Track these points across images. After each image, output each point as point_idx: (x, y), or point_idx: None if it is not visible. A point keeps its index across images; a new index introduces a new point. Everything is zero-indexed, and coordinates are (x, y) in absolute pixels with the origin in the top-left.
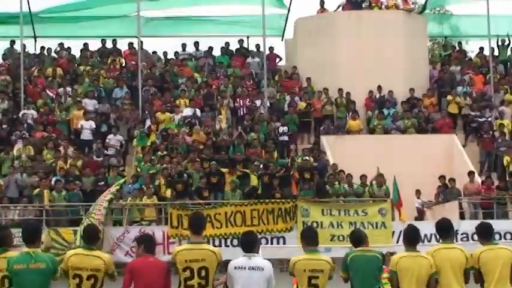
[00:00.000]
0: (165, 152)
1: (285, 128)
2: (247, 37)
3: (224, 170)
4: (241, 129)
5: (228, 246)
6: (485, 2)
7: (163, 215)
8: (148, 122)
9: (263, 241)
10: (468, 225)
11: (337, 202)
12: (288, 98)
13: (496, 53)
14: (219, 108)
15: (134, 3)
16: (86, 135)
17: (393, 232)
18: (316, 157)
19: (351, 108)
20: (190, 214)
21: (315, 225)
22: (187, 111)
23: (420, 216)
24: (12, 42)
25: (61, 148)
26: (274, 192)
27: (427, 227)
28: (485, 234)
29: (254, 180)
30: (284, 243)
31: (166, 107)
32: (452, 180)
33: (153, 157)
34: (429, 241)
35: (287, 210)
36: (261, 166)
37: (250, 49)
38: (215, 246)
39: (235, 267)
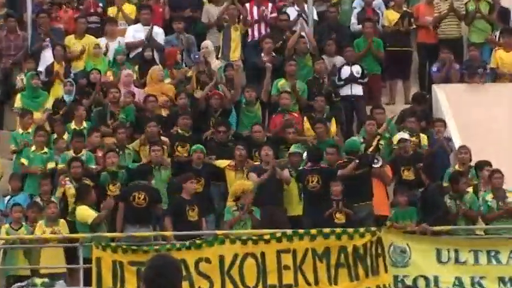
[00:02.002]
0: (84, 125)
1: (356, 69)
2: None
3: (220, 162)
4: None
5: None
6: None
7: (81, 263)
8: (47, 55)
9: None
10: None
11: (472, 235)
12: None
13: None
14: (208, 24)
15: None
16: None
17: None
18: (427, 135)
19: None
20: (147, 263)
21: (421, 284)
22: (135, 33)
23: None
24: None
25: None
26: (333, 212)
27: None
28: None
29: (292, 187)
30: None
31: (85, 24)
32: None
33: (54, 135)
34: None
35: (359, 252)
36: (303, 155)
37: None
38: None
39: None
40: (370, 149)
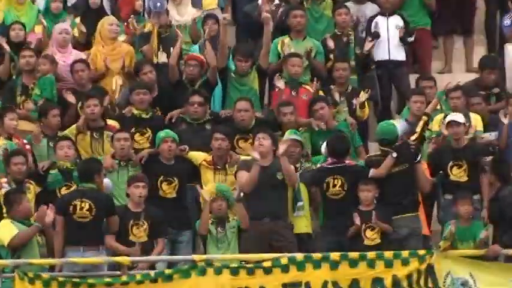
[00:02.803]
0: None
1: (395, 22)
2: None
3: (194, 155)
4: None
5: None
6: None
7: None
8: None
9: None
10: None
11: None
12: None
13: None
14: None
15: None
16: None
17: None
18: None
19: None
20: None
21: None
22: None
23: None
24: None
25: None
26: (362, 228)
27: None
28: None
29: (303, 191)
30: None
31: None
32: None
33: None
34: None
35: (401, 286)
36: (323, 146)
37: None
38: None
39: None
40: (413, 137)
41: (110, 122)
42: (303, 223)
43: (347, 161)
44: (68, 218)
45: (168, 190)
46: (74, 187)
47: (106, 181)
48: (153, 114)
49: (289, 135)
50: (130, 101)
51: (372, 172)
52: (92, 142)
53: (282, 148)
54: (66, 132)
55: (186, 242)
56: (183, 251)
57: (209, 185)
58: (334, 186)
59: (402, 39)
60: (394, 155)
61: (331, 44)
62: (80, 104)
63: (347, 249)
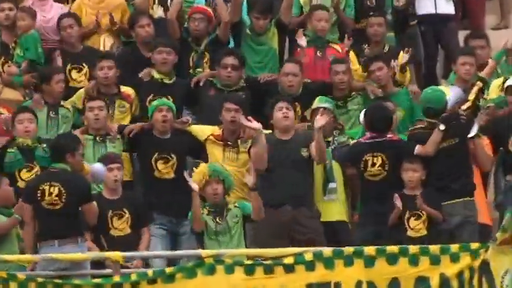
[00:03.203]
0: None
1: None
2: None
3: (198, 129)
4: None
5: None
6: None
7: None
8: None
9: None
10: None
11: None
12: None
13: None
14: None
15: None
16: None
17: None
18: None
19: None
20: None
21: None
22: None
23: None
24: None
25: None
26: (405, 215)
27: None
28: None
29: (337, 171)
30: None
31: None
32: None
33: None
34: None
35: (450, 287)
36: (361, 116)
37: None
38: None
39: None
40: (465, 106)
41: (124, 88)
42: (335, 209)
43: (389, 135)
44: (36, 206)
45: (165, 170)
46: (36, 169)
47: (97, 167)
48: (177, 79)
49: (319, 102)
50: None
51: (418, 149)
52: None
53: (321, 120)
54: (74, 98)
55: (188, 234)
56: (185, 244)
57: (200, 165)
58: (374, 165)
59: None
60: (442, 127)
61: None
62: (69, 67)
63: (386, 241)
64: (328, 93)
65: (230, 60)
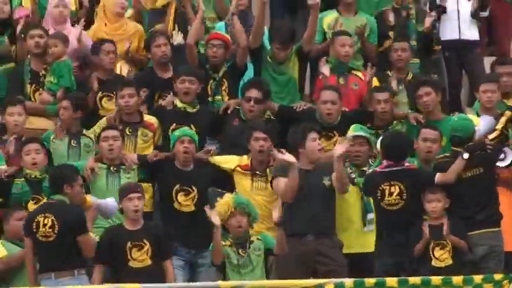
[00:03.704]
0: None
1: None
2: None
3: (224, 160)
4: None
5: None
6: None
7: None
8: None
9: None
10: None
11: None
12: None
13: None
14: None
15: None
16: None
17: None
18: None
19: None
20: None
21: None
22: None
23: None
24: None
25: None
26: (429, 245)
27: None
28: None
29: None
30: None
31: None
32: None
33: None
34: None
35: None
36: (378, 144)
37: None
38: None
39: None
40: (492, 135)
41: (147, 117)
42: (372, 239)
43: (406, 164)
44: (33, 238)
45: (185, 202)
46: (44, 200)
47: (106, 201)
48: (201, 107)
49: (354, 131)
50: (174, 90)
51: (438, 177)
52: (124, 139)
53: (340, 148)
54: (96, 127)
55: (207, 265)
56: (204, 276)
57: (225, 196)
58: (391, 194)
59: (474, 14)
60: (466, 156)
61: (391, 18)
62: (100, 95)
63: (409, 273)
64: (367, 121)
65: (253, 93)
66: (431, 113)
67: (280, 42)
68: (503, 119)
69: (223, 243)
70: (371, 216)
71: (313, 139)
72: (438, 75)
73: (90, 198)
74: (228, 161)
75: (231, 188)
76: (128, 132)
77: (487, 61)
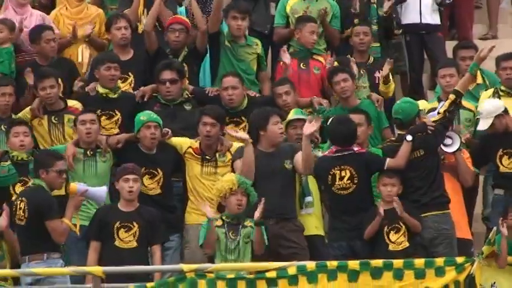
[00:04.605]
0: None
1: None
2: None
3: (180, 141)
4: None
5: None
6: None
7: None
8: None
9: None
10: None
11: None
12: None
13: None
14: None
15: None
16: None
17: None
18: None
19: None
20: None
21: None
22: None
23: None
24: None
25: None
26: (384, 227)
27: None
28: None
29: (313, 184)
30: None
31: None
32: None
33: None
34: None
35: None
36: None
37: None
38: None
39: None
40: (434, 118)
41: (71, 103)
42: (312, 223)
43: (355, 148)
44: (13, 221)
45: (151, 185)
46: (30, 182)
47: (97, 191)
48: (122, 93)
49: (295, 114)
50: (95, 76)
51: (389, 162)
52: (50, 128)
53: (309, 128)
54: (20, 114)
55: (173, 249)
56: (169, 259)
57: (228, 174)
58: (342, 178)
59: (440, 2)
60: (409, 138)
61: (357, 6)
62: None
63: (362, 256)
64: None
65: (167, 74)
66: (348, 99)
67: (238, 9)
68: (446, 102)
69: (216, 222)
70: (308, 199)
71: (275, 122)
72: (399, 59)
73: (75, 185)
74: (182, 142)
75: (183, 175)
76: (53, 121)
77: (450, 45)
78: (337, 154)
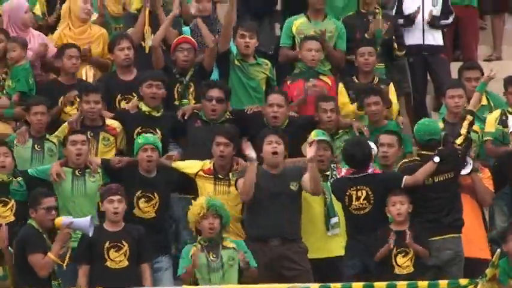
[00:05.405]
0: None
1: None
2: None
3: (187, 165)
4: None
5: None
6: None
7: None
8: None
9: None
10: None
11: None
12: None
13: None
14: None
15: None
16: None
17: None
18: None
19: None
20: None
21: None
22: None
23: None
24: None
25: None
26: (392, 251)
27: None
28: None
29: (337, 204)
30: None
31: None
32: None
33: None
34: None
35: None
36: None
37: None
38: None
39: None
40: (459, 140)
41: (109, 121)
42: (338, 243)
43: (370, 170)
44: None
45: (147, 209)
46: (11, 203)
47: (82, 222)
48: (164, 112)
49: (316, 136)
50: (140, 93)
51: (407, 179)
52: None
53: (310, 151)
54: (58, 132)
55: (165, 269)
56: (164, 278)
57: (199, 198)
58: (358, 199)
59: (431, 23)
60: (437, 159)
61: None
62: (61, 99)
63: (375, 274)
64: (313, 128)
65: (215, 92)
66: (378, 121)
67: (245, 27)
68: (465, 123)
69: (194, 247)
70: (334, 220)
71: (269, 142)
72: (402, 80)
73: (60, 218)
74: (190, 166)
75: (195, 193)
76: (89, 136)
77: (454, 66)
78: (353, 176)
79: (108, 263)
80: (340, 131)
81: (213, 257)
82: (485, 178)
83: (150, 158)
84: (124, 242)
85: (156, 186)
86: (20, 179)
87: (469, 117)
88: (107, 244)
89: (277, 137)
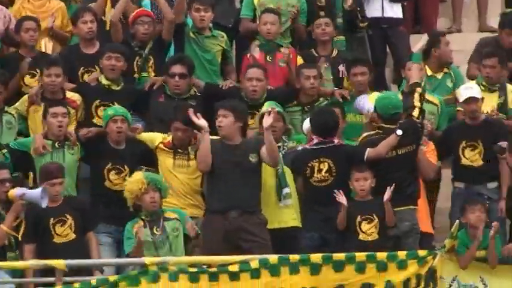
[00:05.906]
0: None
1: None
2: None
3: (150, 137)
4: None
5: None
6: None
7: None
8: None
9: None
10: None
11: None
12: None
13: None
14: None
15: None
16: None
17: None
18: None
19: None
20: None
21: None
22: None
23: None
24: None
25: None
26: (362, 220)
27: None
28: None
29: (289, 176)
30: None
31: None
32: None
33: None
34: None
35: None
36: (305, 122)
37: None
38: None
39: None
40: (415, 112)
41: (69, 94)
42: (290, 215)
43: (336, 141)
44: None
45: (117, 181)
46: None
47: (35, 192)
48: (124, 86)
49: (268, 106)
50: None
51: (369, 151)
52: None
53: (268, 120)
54: (17, 104)
55: (109, 244)
56: (109, 250)
57: (134, 174)
58: (320, 171)
59: None
60: (400, 132)
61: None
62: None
63: (334, 247)
64: (293, 99)
65: (178, 68)
66: (362, 92)
67: (202, 2)
68: (416, 96)
69: (136, 224)
70: (286, 190)
71: (217, 116)
72: (362, 52)
73: (12, 191)
74: (152, 139)
75: (156, 166)
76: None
77: (414, 39)
78: (317, 146)
79: (56, 239)
80: (321, 99)
81: (156, 231)
82: (429, 151)
83: (119, 129)
84: (67, 215)
85: (126, 158)
86: (5, 150)
87: (418, 89)
88: (51, 220)
89: (224, 110)
